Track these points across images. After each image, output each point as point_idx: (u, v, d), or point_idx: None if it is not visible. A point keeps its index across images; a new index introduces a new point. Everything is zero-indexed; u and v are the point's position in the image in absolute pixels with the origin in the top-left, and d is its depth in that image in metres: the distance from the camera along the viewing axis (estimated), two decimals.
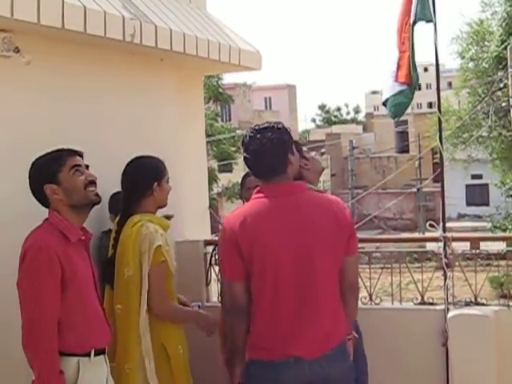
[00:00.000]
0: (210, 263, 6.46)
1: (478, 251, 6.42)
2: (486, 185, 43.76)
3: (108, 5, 5.12)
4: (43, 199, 4.04)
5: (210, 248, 6.46)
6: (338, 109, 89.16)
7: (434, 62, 6.22)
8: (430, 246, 6.87)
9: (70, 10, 4.70)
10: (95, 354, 4.01)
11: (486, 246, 6.74)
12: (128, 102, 5.69)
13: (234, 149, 38.57)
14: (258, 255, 4.02)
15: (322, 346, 4.03)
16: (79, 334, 3.96)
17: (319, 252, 4.02)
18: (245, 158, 4.20)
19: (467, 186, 47.15)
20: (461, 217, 46.49)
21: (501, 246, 7.18)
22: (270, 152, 4.09)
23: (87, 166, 4.12)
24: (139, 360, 4.61)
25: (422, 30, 6.13)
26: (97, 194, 4.08)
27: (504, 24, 24.71)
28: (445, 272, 6.09)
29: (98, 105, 5.44)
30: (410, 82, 5.96)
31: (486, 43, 30.99)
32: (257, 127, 4.19)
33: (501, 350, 5.86)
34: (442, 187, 6.46)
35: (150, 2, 5.81)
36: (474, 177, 45.09)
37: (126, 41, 5.21)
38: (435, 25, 6.03)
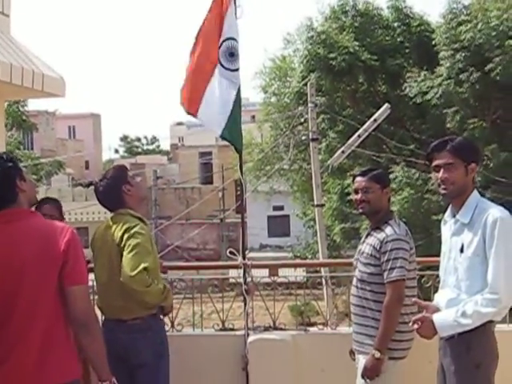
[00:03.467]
0: None
1: (277, 279, 6.61)
2: (288, 216, 44.90)
3: None
4: None
5: None
6: (138, 139, 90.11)
7: None
8: (233, 276, 7.00)
9: None
10: None
11: (287, 275, 6.95)
12: None
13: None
14: None
15: None
16: None
17: (25, 284, 3.88)
18: None
19: (269, 217, 48.12)
20: (263, 247, 47.34)
21: (302, 277, 7.45)
22: None
23: None
24: None
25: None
26: None
27: (305, 61, 25.57)
28: (244, 298, 6.25)
29: None
30: None
31: (288, 79, 32.10)
32: None
33: (299, 372, 6.07)
34: (242, 215, 6.66)
35: None
36: (275, 208, 46.15)
37: None
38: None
